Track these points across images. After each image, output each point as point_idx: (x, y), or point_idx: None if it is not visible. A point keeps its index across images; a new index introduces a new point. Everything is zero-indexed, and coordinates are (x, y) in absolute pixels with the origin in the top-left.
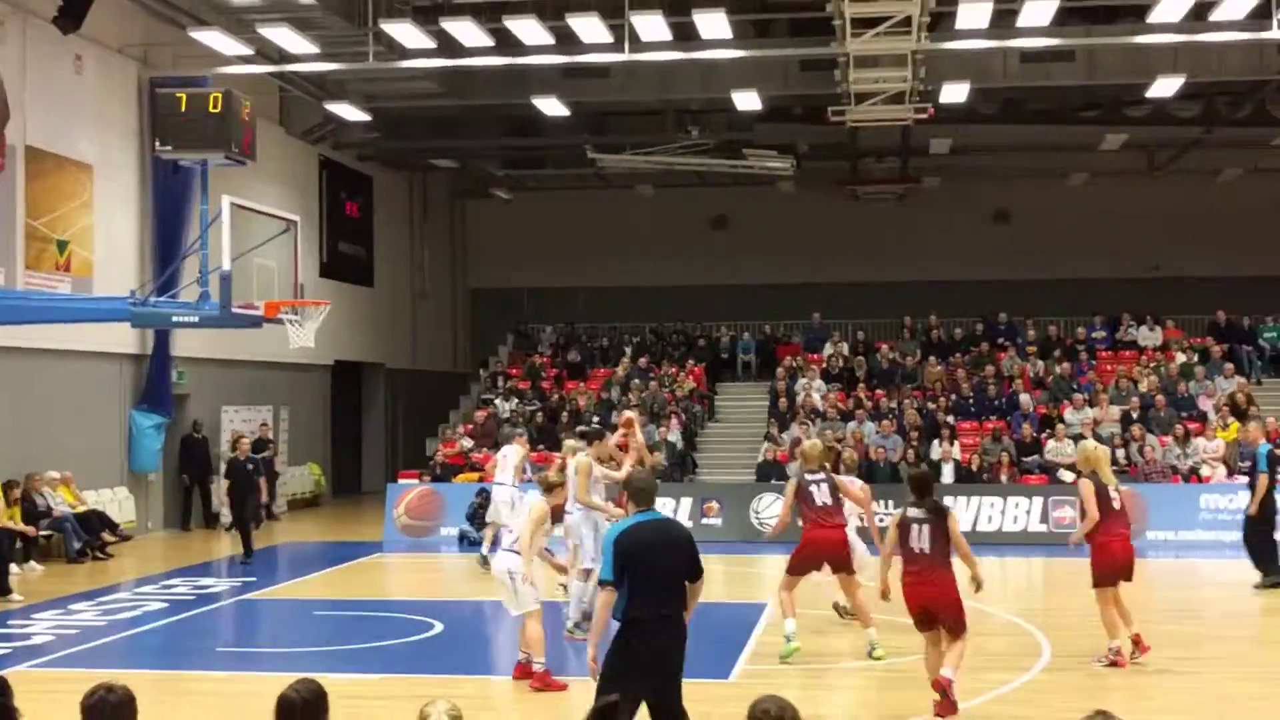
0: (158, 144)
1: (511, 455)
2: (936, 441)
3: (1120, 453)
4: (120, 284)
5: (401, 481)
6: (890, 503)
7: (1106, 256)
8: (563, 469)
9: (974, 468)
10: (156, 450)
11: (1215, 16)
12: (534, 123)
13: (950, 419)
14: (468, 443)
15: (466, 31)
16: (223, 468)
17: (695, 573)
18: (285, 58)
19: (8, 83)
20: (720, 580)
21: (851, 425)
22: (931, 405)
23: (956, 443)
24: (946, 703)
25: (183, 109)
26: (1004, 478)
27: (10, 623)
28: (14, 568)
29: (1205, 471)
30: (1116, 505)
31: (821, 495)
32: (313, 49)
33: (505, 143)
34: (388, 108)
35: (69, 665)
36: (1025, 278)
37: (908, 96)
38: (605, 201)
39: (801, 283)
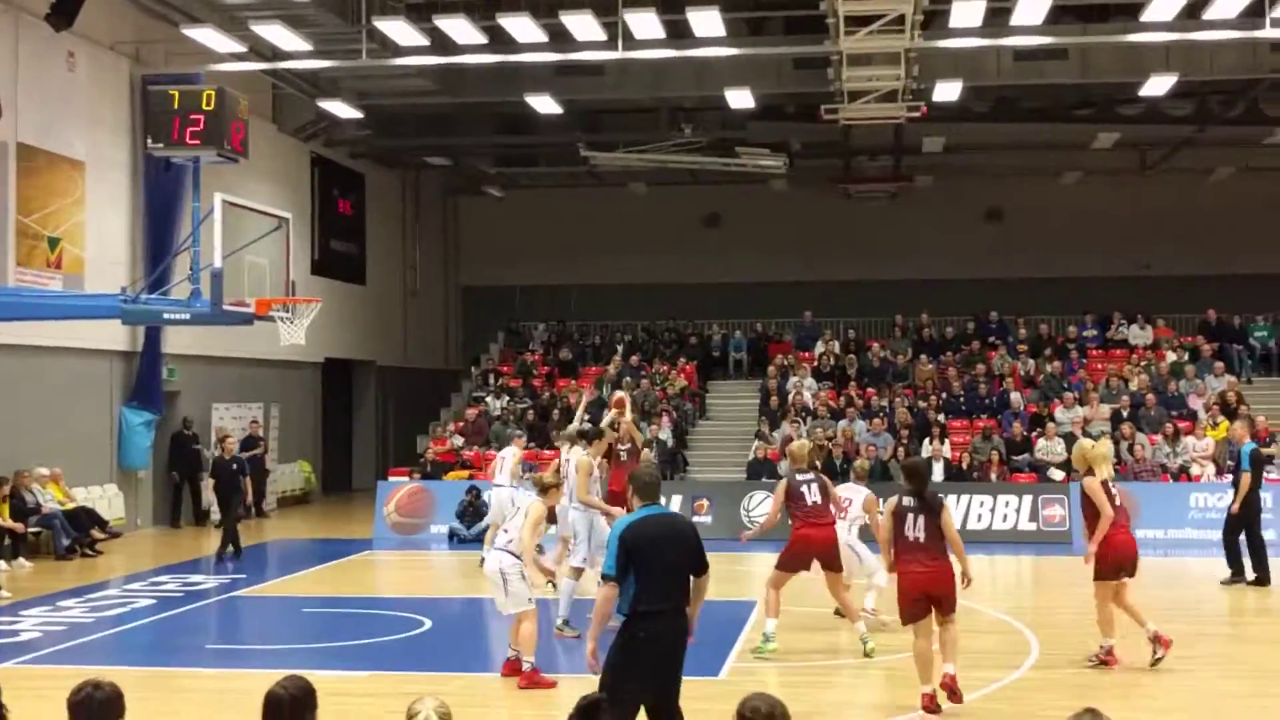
0: (150, 141)
1: (509, 457)
2: (927, 440)
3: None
4: (111, 281)
5: (392, 479)
6: (880, 500)
7: (1098, 255)
8: (558, 470)
9: (964, 466)
10: (146, 447)
11: (1208, 15)
12: (527, 120)
13: (941, 417)
14: (459, 440)
15: (460, 29)
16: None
17: (701, 567)
18: (278, 55)
19: None
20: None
21: (842, 423)
22: (922, 403)
23: (947, 441)
24: (956, 695)
25: (175, 106)
26: (994, 476)
27: None
28: (2, 564)
29: (1195, 470)
30: (1116, 501)
31: (812, 495)
32: (305, 46)
33: (498, 140)
34: (380, 105)
35: (56, 662)
36: (1017, 276)
37: (900, 95)
38: (598, 199)
39: (793, 281)
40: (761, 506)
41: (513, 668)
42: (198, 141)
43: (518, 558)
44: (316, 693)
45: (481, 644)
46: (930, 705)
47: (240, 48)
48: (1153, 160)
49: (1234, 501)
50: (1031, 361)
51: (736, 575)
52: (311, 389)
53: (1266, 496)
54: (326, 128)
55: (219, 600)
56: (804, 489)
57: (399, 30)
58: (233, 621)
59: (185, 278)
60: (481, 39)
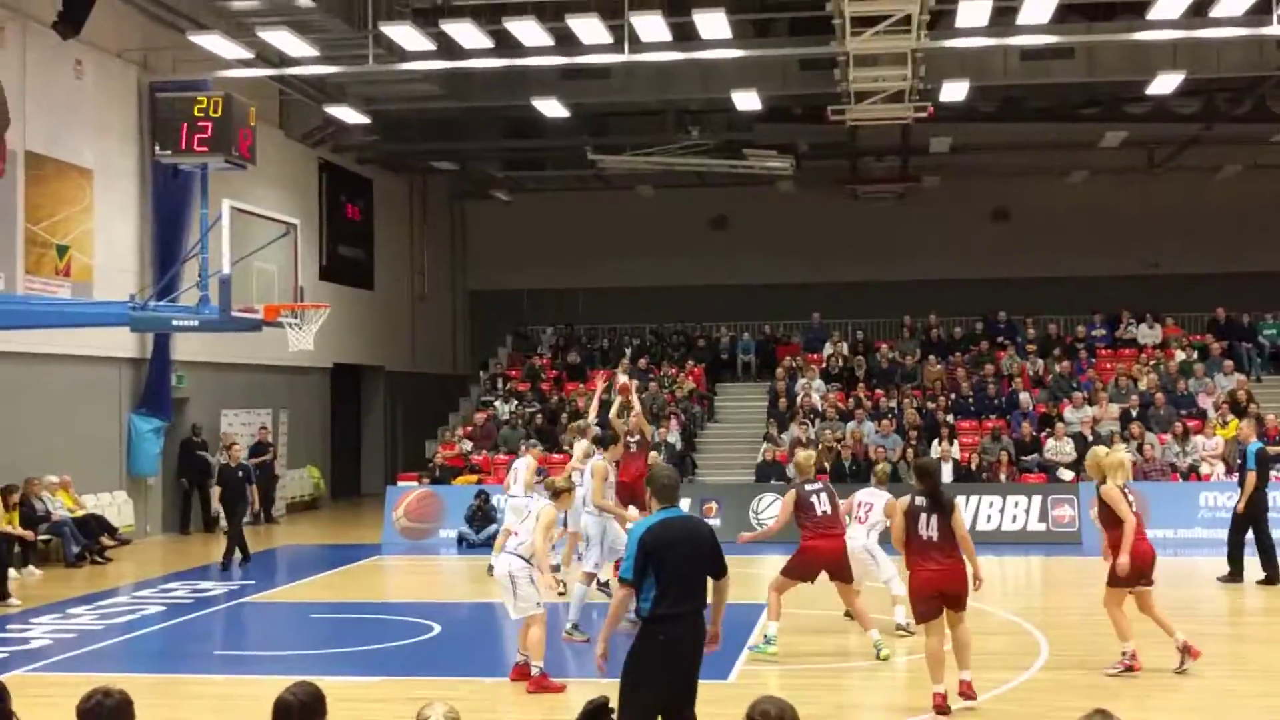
0: (157, 148)
1: (523, 468)
2: (936, 441)
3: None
4: (120, 288)
5: (401, 484)
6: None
7: (1106, 254)
8: (569, 476)
9: (973, 467)
10: (156, 454)
11: (1215, 13)
12: (534, 124)
13: (950, 418)
14: (467, 445)
15: (466, 33)
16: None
17: (719, 570)
18: (285, 61)
19: (7, 88)
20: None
21: (851, 425)
22: (931, 404)
23: (956, 442)
24: (970, 695)
25: (183, 113)
26: (1003, 477)
27: (8, 627)
28: (12, 572)
29: (1205, 469)
30: (1134, 508)
31: (821, 505)
32: (312, 52)
33: (505, 144)
34: (387, 110)
35: (66, 670)
36: (1025, 276)
37: (907, 95)
38: (605, 202)
39: (801, 283)
40: (770, 509)
41: (521, 672)
42: (205, 148)
43: (527, 561)
44: (326, 699)
45: (491, 649)
46: (942, 705)
47: (247, 54)
48: (1160, 159)
49: (1239, 501)
50: (1040, 361)
51: (747, 578)
52: (320, 394)
53: (1276, 495)
54: (334, 133)
55: (228, 606)
56: (814, 499)
57: (405, 35)
58: (242, 628)
59: (194, 284)
60: (488, 43)
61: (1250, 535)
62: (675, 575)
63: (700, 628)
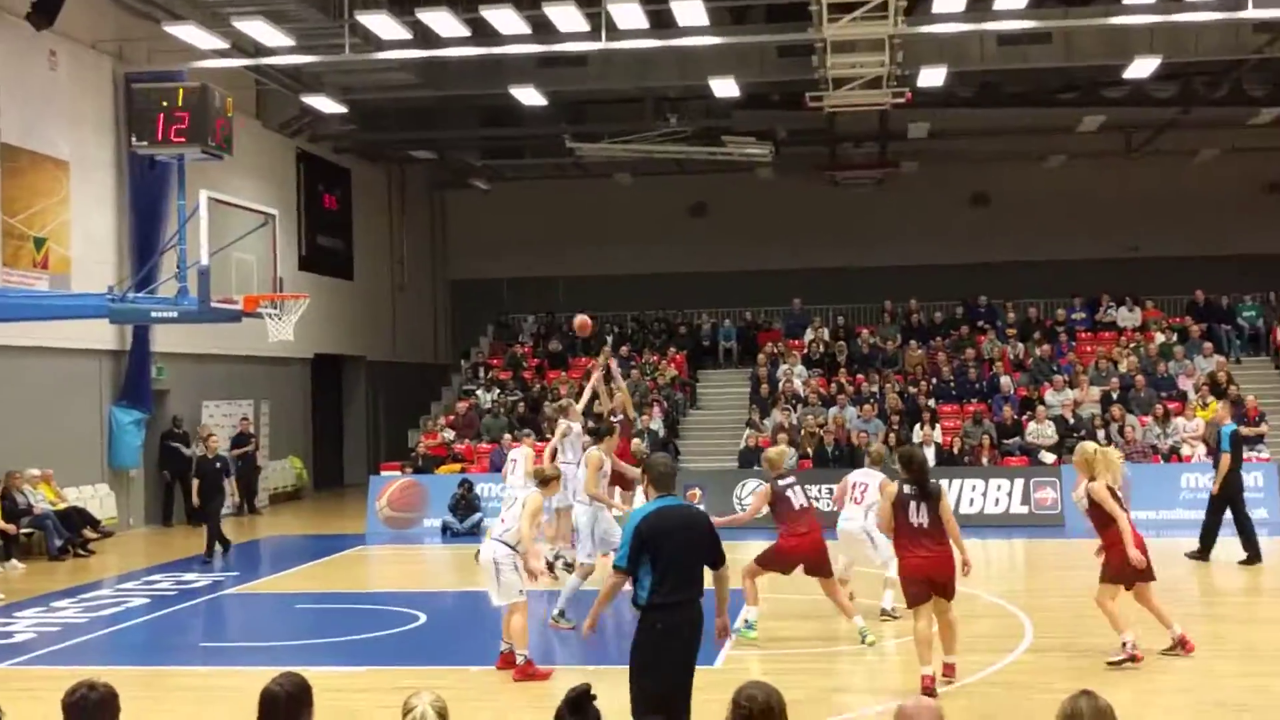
0: (134, 139)
1: (521, 459)
2: (918, 425)
3: (1101, 433)
4: (98, 280)
5: (383, 474)
6: None
7: (1085, 238)
8: (554, 457)
9: (955, 450)
10: (137, 446)
11: None
12: (512, 112)
13: (931, 402)
14: (450, 434)
15: (443, 22)
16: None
17: (717, 559)
18: (261, 51)
19: None
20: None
21: (833, 410)
22: (913, 389)
23: (938, 426)
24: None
25: (158, 104)
26: (985, 460)
27: None
28: None
29: (1185, 451)
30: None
31: (799, 499)
32: (288, 41)
33: (483, 133)
34: (364, 100)
35: (51, 663)
36: (1004, 260)
37: (885, 81)
38: (584, 190)
39: (781, 269)
40: (753, 496)
41: (507, 660)
42: (182, 139)
43: (513, 548)
44: (312, 689)
45: (476, 637)
46: (929, 687)
47: (223, 44)
48: (1138, 143)
49: (1215, 482)
50: (1021, 345)
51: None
52: (301, 385)
53: (1257, 475)
54: (311, 123)
55: (212, 598)
56: (789, 493)
57: (381, 24)
58: (226, 619)
59: (172, 275)
60: (464, 31)
61: (1229, 516)
62: (672, 563)
63: (698, 616)
